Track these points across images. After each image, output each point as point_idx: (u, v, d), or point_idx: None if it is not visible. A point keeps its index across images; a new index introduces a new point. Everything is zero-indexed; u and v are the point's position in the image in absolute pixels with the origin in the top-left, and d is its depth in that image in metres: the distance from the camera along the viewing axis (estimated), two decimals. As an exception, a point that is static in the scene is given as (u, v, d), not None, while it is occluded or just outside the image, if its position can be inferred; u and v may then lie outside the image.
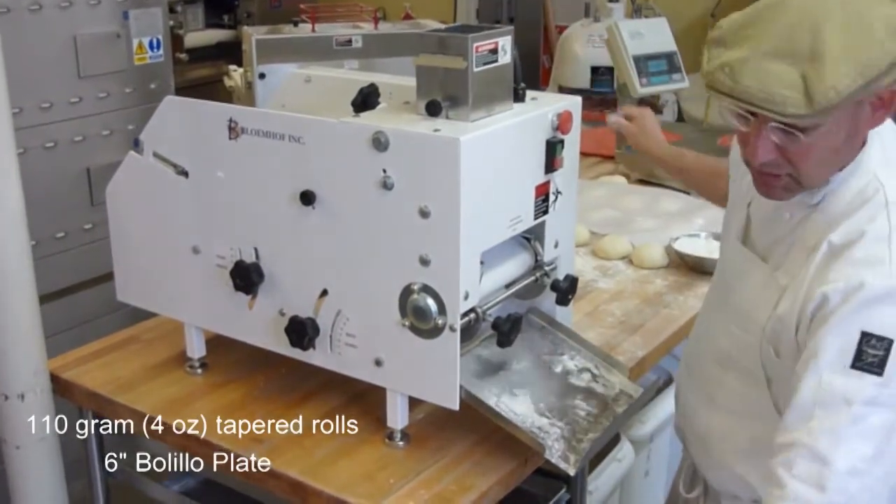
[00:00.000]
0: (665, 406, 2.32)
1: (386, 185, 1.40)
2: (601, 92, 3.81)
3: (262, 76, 3.09)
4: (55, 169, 2.73)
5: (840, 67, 1.17)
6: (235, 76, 3.38)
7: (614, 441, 2.18)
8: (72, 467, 1.93)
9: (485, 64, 1.42)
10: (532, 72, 5.02)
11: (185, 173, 1.63)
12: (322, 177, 1.47)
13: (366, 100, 1.52)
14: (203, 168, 1.61)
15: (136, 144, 1.69)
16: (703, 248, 2.30)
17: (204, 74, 4.44)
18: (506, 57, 1.47)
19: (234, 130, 1.55)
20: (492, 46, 1.43)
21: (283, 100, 1.87)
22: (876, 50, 1.18)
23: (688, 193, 2.77)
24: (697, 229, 2.43)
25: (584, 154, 1.67)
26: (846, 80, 1.17)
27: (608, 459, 2.15)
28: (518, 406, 1.51)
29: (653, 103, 4.04)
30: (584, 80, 3.81)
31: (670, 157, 2.08)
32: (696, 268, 2.25)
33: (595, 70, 3.83)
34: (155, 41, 2.93)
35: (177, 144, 1.64)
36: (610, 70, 3.65)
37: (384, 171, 1.40)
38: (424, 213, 1.38)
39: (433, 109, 1.43)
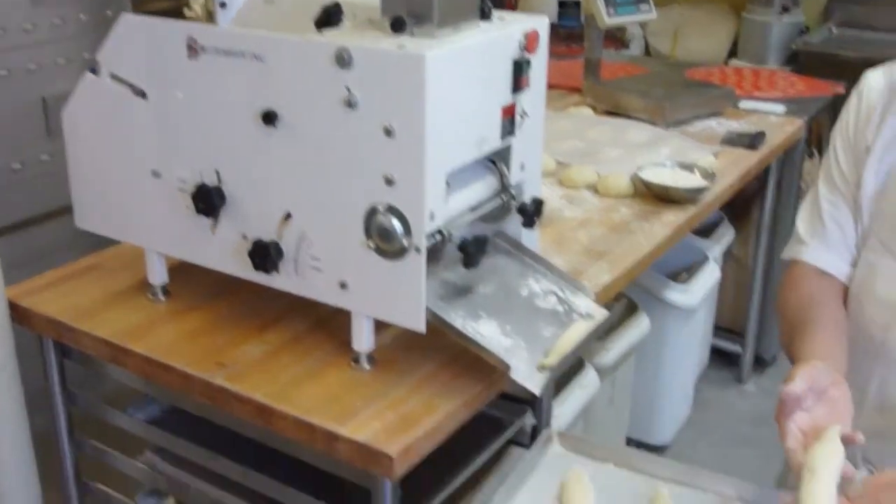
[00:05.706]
0: (628, 335, 2.34)
1: (350, 104, 1.37)
2: (568, 26, 3.79)
3: (223, 5, 3.01)
4: (9, 99, 2.65)
5: None
6: (196, 6, 3.29)
7: (578, 367, 2.20)
8: (33, 401, 1.90)
9: (450, -21, 1.39)
10: (496, 4, 4.96)
11: (143, 94, 1.59)
12: (284, 96, 1.44)
13: (329, 17, 1.48)
14: (162, 89, 1.57)
15: (93, 66, 1.64)
16: (669, 176, 2.30)
17: (163, 6, 4.33)
18: (472, -27, 1.44)
19: (193, 49, 1.51)
20: (458, -39, 1.40)
21: (245, 24, 1.81)
22: None
23: (654, 124, 2.77)
24: (663, 158, 2.43)
25: (551, 87, 1.66)
26: None
27: (572, 386, 2.16)
28: (484, 328, 1.50)
29: (619, 37, 4.03)
30: (552, 13, 3.79)
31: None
32: (661, 196, 2.25)
33: (562, 4, 3.81)
34: (112, -34, 2.85)
35: (134, 65, 1.59)
36: (577, 4, 3.63)
37: (348, 88, 1.37)
38: (389, 132, 1.35)
39: (398, 26, 1.39)
